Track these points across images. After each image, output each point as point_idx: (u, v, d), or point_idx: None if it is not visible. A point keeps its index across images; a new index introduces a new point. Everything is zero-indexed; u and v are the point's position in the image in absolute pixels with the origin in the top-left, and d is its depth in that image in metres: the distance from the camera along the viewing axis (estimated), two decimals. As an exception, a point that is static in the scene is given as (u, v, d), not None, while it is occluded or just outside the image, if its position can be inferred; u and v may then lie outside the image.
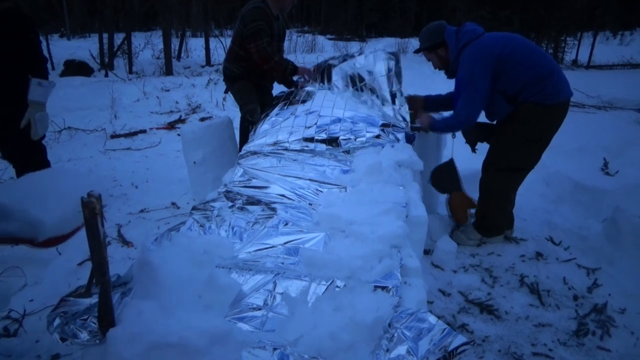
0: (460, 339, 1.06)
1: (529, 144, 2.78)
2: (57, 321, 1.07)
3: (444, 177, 3.11)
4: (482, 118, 2.99)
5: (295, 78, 3.71)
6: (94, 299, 1.09)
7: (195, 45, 14.05)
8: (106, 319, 1.04)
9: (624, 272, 2.71)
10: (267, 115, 3.02)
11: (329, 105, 2.90)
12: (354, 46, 15.99)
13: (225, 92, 3.99)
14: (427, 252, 2.87)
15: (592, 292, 2.58)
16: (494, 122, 2.97)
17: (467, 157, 3.21)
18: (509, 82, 2.64)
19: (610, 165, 4.10)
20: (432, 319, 1.15)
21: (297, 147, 2.50)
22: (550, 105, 2.64)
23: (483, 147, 3.07)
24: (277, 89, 3.90)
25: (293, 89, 3.51)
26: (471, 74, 2.63)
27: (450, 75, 2.91)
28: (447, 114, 3.08)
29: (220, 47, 12.36)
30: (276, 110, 3.02)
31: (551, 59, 2.77)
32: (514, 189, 3.01)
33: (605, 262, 2.82)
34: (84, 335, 1.06)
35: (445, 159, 3.25)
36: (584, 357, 2.10)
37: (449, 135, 3.29)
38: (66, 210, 1.17)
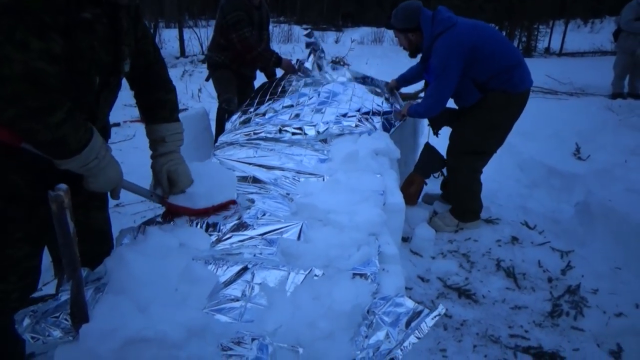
0: (433, 312, 1.08)
1: (493, 130, 2.89)
2: (26, 320, 1.03)
3: (423, 157, 3.22)
4: (450, 103, 3.05)
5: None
6: (65, 296, 1.06)
7: (169, 36, 13.76)
8: (79, 315, 1.01)
9: (595, 253, 2.79)
10: (245, 105, 2.98)
11: (308, 94, 2.88)
12: (330, 36, 15.95)
13: (207, 79, 3.99)
14: (405, 239, 2.90)
15: (565, 274, 2.65)
16: (458, 107, 3.07)
17: (434, 145, 3.26)
18: (480, 70, 2.72)
19: (582, 150, 4.20)
20: (409, 302, 1.16)
21: (274, 136, 2.48)
22: (516, 93, 2.76)
23: (445, 132, 3.15)
24: (260, 78, 3.88)
25: (274, 79, 3.51)
26: (444, 64, 2.70)
27: (421, 59, 2.99)
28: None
29: (194, 38, 12.15)
30: (255, 100, 2.99)
31: (517, 50, 2.93)
32: (477, 170, 3.10)
33: (578, 244, 2.90)
34: (56, 333, 1.03)
35: (421, 147, 3.31)
36: (559, 337, 2.16)
37: (425, 124, 3.34)
38: (206, 191, 1.61)
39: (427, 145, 3.22)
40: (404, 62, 3.26)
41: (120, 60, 1.36)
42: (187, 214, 1.60)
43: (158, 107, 1.59)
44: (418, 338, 1.04)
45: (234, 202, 1.72)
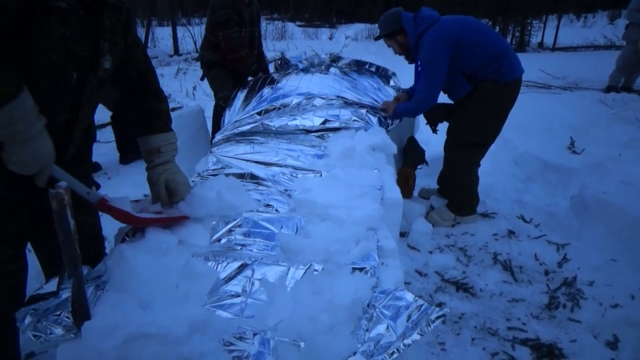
0: (436, 311, 1.09)
1: (488, 120, 2.90)
2: (28, 319, 1.03)
3: (407, 150, 3.28)
4: (444, 98, 3.06)
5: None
6: (66, 294, 1.06)
7: (162, 34, 13.69)
8: (80, 312, 1.01)
9: (591, 246, 2.81)
10: (241, 101, 2.98)
11: (303, 88, 2.89)
12: (324, 32, 15.91)
13: (201, 78, 3.98)
14: (402, 234, 2.90)
15: (562, 266, 2.67)
16: (453, 102, 3.07)
17: (431, 140, 3.27)
18: (469, 62, 2.76)
19: (577, 143, 4.22)
20: (409, 296, 1.17)
21: (271, 132, 2.48)
22: (508, 82, 2.78)
23: (443, 128, 3.15)
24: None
25: (269, 73, 3.50)
26: (431, 58, 2.73)
27: (410, 60, 3.01)
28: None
29: (188, 35, 12.11)
30: (250, 95, 2.99)
31: (504, 39, 2.97)
32: (476, 163, 3.12)
33: (573, 237, 2.92)
34: (58, 331, 1.03)
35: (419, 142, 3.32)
36: (556, 329, 2.18)
37: (421, 120, 3.35)
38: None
39: (412, 138, 3.29)
40: (399, 59, 3.26)
41: (99, 55, 1.30)
42: (128, 220, 1.41)
43: (153, 117, 1.57)
44: (420, 335, 1.05)
45: (186, 217, 1.55)
